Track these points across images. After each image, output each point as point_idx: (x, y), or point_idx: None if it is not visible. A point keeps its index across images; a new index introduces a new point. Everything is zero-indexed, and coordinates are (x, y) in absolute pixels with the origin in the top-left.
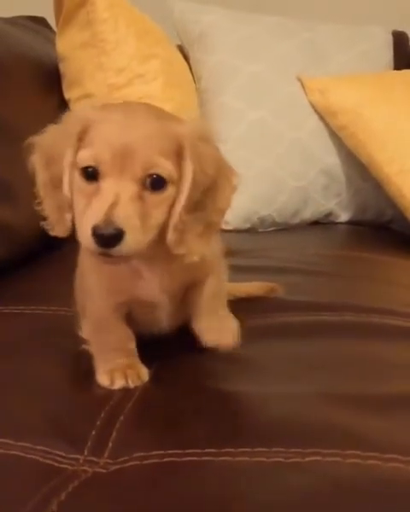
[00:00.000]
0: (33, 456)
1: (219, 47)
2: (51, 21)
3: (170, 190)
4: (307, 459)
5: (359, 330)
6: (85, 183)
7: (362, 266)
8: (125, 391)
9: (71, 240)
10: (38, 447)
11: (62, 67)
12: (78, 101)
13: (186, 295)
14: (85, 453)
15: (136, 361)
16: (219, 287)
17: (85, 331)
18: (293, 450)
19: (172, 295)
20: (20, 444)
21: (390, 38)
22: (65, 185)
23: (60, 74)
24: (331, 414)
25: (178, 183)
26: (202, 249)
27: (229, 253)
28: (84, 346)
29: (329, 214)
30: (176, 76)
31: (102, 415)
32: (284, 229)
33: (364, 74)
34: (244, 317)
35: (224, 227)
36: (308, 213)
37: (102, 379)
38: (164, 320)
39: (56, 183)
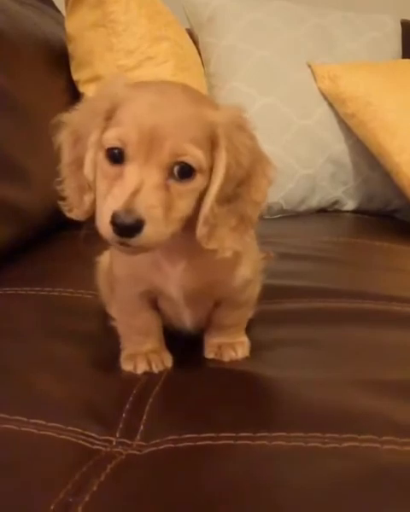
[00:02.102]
0: (66, 437)
1: (228, 31)
2: (57, 1)
3: (198, 180)
4: (344, 445)
5: (380, 317)
6: (109, 165)
7: (373, 254)
8: (152, 374)
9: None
10: (70, 428)
11: (71, 48)
12: (87, 82)
13: (214, 307)
14: (118, 435)
15: (160, 346)
16: (246, 311)
17: (114, 311)
18: (329, 435)
19: (191, 294)
20: (51, 424)
21: (399, 27)
22: (87, 165)
23: (67, 55)
24: (364, 400)
25: (208, 173)
26: (234, 244)
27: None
28: (112, 323)
29: (335, 202)
30: (186, 59)
31: (131, 398)
32: (291, 216)
33: (374, 62)
34: (262, 303)
35: None
36: (315, 201)
37: (126, 363)
38: (186, 318)
39: (81, 164)
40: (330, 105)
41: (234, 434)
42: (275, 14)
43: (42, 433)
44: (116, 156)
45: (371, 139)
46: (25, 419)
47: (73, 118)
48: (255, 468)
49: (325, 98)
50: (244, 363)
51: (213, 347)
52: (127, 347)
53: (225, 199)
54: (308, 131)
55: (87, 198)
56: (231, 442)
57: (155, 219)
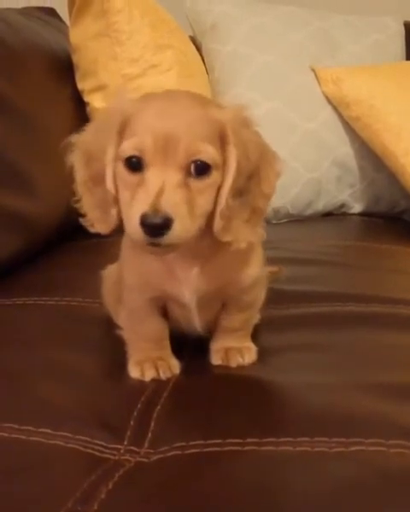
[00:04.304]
0: (74, 446)
1: (231, 37)
2: (60, 12)
3: (215, 176)
4: (351, 449)
5: (387, 321)
6: (130, 174)
7: (380, 257)
8: (159, 381)
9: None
10: (78, 437)
11: (75, 58)
12: (92, 91)
13: (221, 309)
14: (126, 443)
15: (167, 353)
16: (252, 314)
17: (121, 318)
18: (336, 439)
19: (204, 298)
20: (59, 433)
21: (402, 29)
22: (108, 180)
23: (72, 65)
24: (371, 403)
25: (222, 168)
26: (249, 235)
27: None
28: (118, 332)
29: (342, 205)
30: (190, 66)
31: (139, 405)
32: (298, 220)
33: (378, 65)
34: (269, 308)
35: None
36: (321, 204)
37: (133, 370)
38: (197, 322)
39: (98, 180)
40: (335, 108)
41: (241, 440)
42: (277, 18)
43: (50, 442)
44: (135, 164)
45: (376, 141)
46: (33, 428)
47: (84, 138)
48: (262, 474)
49: (329, 102)
50: (251, 368)
51: (219, 353)
52: (134, 355)
53: (238, 192)
54: (313, 135)
55: (113, 211)
56: (239, 448)
57: (181, 216)
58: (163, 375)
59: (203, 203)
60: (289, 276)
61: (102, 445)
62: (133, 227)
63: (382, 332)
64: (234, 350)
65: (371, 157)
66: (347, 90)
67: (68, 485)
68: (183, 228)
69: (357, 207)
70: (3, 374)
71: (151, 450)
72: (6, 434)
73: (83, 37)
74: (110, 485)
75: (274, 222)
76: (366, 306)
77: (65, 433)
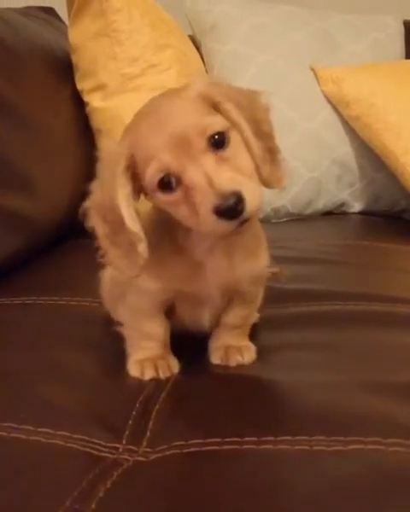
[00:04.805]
0: (73, 445)
1: (231, 36)
2: (59, 11)
3: (235, 137)
4: (349, 447)
5: (387, 319)
6: (171, 193)
7: (380, 256)
8: (158, 381)
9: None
10: (77, 436)
11: (75, 58)
12: (91, 91)
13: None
14: (124, 442)
15: (167, 352)
16: (254, 309)
17: (122, 316)
18: (334, 438)
19: (223, 293)
20: (59, 433)
21: (402, 28)
22: (127, 219)
23: (72, 65)
24: (370, 402)
25: (235, 128)
26: (282, 173)
27: None
28: (118, 328)
29: (342, 204)
30: (189, 66)
31: (138, 404)
32: (298, 219)
33: (377, 64)
34: (269, 307)
35: None
36: (321, 204)
37: (133, 369)
38: (206, 318)
39: (118, 228)
40: (335, 108)
41: (239, 439)
42: (277, 18)
43: (49, 441)
44: (170, 182)
45: (375, 141)
46: (32, 428)
47: (94, 197)
48: (261, 473)
49: (329, 101)
50: (250, 367)
51: (219, 351)
52: (134, 353)
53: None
54: (313, 134)
55: (141, 248)
56: (237, 447)
57: (243, 184)
58: (163, 375)
59: (245, 163)
60: (289, 275)
61: (100, 444)
62: (212, 225)
63: (382, 331)
64: (233, 348)
65: (370, 156)
66: (347, 90)
67: (67, 483)
68: (252, 193)
69: (357, 206)
70: (3, 373)
71: (150, 450)
72: (5, 434)
73: (82, 37)
74: (109, 484)
75: (274, 221)
76: (366, 305)
77: (64, 433)
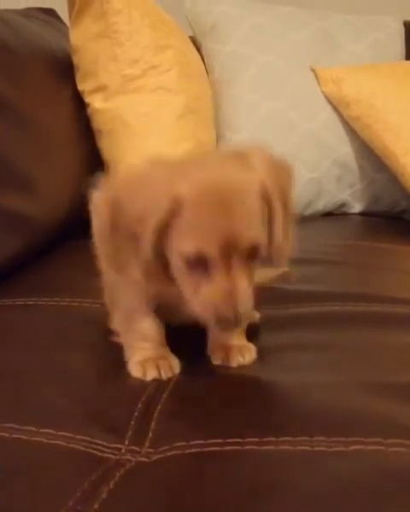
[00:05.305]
0: (75, 446)
1: (231, 37)
2: (60, 12)
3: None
4: (350, 448)
5: (387, 320)
6: (191, 270)
7: (380, 256)
8: (160, 381)
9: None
10: (79, 437)
11: (76, 59)
12: (92, 92)
13: None
14: (126, 443)
15: (167, 352)
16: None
17: (116, 322)
18: (335, 438)
19: None
20: (61, 434)
21: (402, 28)
22: (146, 248)
23: (72, 66)
24: (370, 403)
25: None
26: (291, 246)
27: None
28: (114, 338)
29: (342, 205)
30: (190, 67)
31: (140, 405)
32: (298, 220)
33: (378, 64)
34: (270, 308)
35: None
36: (322, 204)
37: (135, 370)
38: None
39: (131, 238)
40: (335, 108)
41: (241, 440)
42: (277, 18)
43: (52, 442)
44: (197, 264)
45: (376, 141)
46: (34, 429)
47: (119, 193)
48: (262, 473)
49: (329, 101)
50: (251, 367)
51: (219, 352)
52: (134, 356)
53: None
54: (313, 135)
55: (138, 273)
56: (239, 447)
57: (250, 308)
58: (164, 375)
59: (258, 278)
60: (297, 276)
61: (103, 445)
62: (205, 318)
63: (382, 331)
64: (234, 349)
65: (371, 157)
66: (347, 90)
67: (69, 484)
68: (249, 313)
69: (357, 207)
70: (4, 374)
71: (152, 450)
72: (7, 434)
73: (83, 38)
74: (111, 485)
75: None
76: (366, 306)
77: (66, 434)
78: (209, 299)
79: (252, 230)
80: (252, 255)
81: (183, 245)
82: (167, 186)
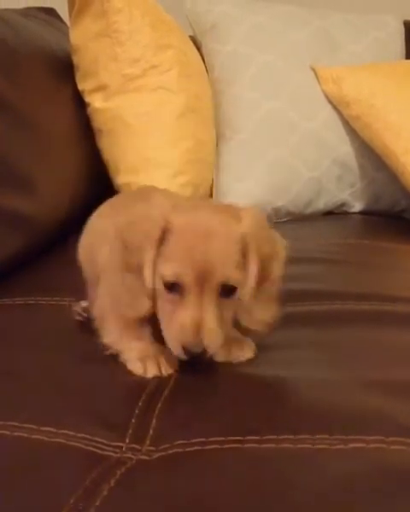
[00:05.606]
0: (76, 444)
1: (231, 36)
2: (60, 12)
3: (238, 292)
4: (351, 446)
5: (387, 319)
6: (169, 293)
7: (380, 255)
8: (161, 379)
9: None
10: (80, 435)
11: (76, 59)
12: (92, 92)
13: None
14: (127, 441)
15: (164, 348)
16: None
17: (109, 332)
18: (336, 436)
19: None
20: (62, 432)
21: (402, 28)
22: (147, 276)
23: (73, 65)
24: (371, 401)
25: (244, 272)
26: (267, 318)
27: None
28: (108, 351)
29: (342, 204)
30: (190, 66)
31: (140, 403)
32: (298, 219)
33: (378, 64)
34: None
35: None
36: (322, 203)
37: (136, 367)
38: None
39: (132, 269)
40: (335, 107)
41: (241, 438)
42: (277, 18)
43: (52, 440)
44: (175, 288)
45: (376, 140)
46: (35, 427)
47: (122, 226)
48: (263, 471)
49: (330, 101)
50: (252, 365)
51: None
52: (132, 354)
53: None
54: (313, 134)
55: (146, 302)
56: (239, 445)
57: (217, 344)
58: (165, 372)
59: (229, 317)
60: (290, 275)
61: (103, 443)
62: (174, 346)
63: (382, 330)
64: (234, 344)
65: (371, 156)
66: (347, 89)
67: (70, 482)
68: (216, 347)
69: (357, 206)
70: (5, 373)
71: (153, 448)
72: (8, 432)
73: (83, 38)
74: (112, 483)
75: (275, 221)
76: (366, 304)
77: (67, 432)
78: (178, 324)
79: (226, 268)
80: (226, 292)
81: (164, 269)
82: (162, 217)
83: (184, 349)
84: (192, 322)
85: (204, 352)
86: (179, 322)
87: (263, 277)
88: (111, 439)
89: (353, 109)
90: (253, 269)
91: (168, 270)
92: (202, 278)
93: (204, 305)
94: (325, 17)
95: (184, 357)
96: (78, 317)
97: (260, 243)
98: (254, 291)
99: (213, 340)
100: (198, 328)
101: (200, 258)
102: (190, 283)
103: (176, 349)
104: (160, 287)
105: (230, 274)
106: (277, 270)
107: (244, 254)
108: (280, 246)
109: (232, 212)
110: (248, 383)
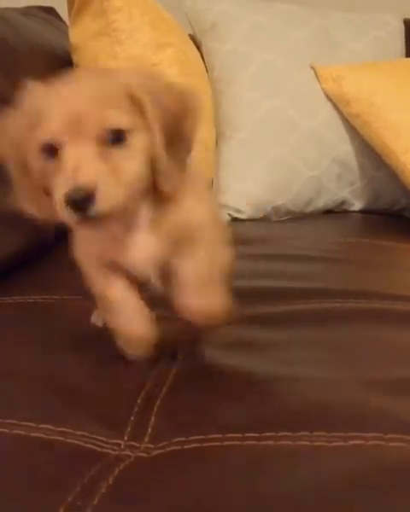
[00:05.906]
0: (74, 441)
1: (231, 35)
2: (60, 11)
3: (136, 140)
4: (349, 443)
5: (387, 317)
6: (48, 161)
7: (380, 254)
8: (159, 376)
9: None
10: (78, 432)
11: (75, 57)
12: None
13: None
14: (126, 438)
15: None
16: (209, 257)
17: (102, 313)
18: (335, 433)
19: (159, 264)
20: (60, 429)
21: (402, 26)
22: (34, 170)
23: (72, 64)
24: (370, 398)
25: (146, 130)
26: (180, 178)
27: (244, 240)
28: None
29: (342, 203)
30: (190, 65)
31: (139, 400)
32: (298, 217)
33: (378, 62)
34: (269, 304)
35: (239, 216)
36: (322, 202)
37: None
38: (156, 283)
39: (24, 168)
40: (335, 106)
41: (240, 435)
42: (277, 17)
43: (51, 437)
44: (51, 149)
45: (376, 139)
46: (34, 424)
47: (8, 124)
48: (262, 469)
49: (330, 99)
50: (251, 363)
51: (190, 309)
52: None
53: (171, 145)
54: (314, 133)
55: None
56: (238, 443)
57: (104, 185)
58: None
59: (131, 169)
60: (289, 273)
61: (102, 441)
62: (61, 209)
63: (382, 328)
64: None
65: (371, 155)
66: (347, 88)
67: (69, 479)
68: (109, 196)
69: (357, 205)
70: (4, 371)
71: (151, 446)
72: (7, 430)
73: (83, 37)
74: (110, 480)
75: (275, 219)
76: (366, 303)
77: (65, 429)
78: (57, 181)
79: (103, 111)
80: (114, 138)
81: (36, 133)
82: (29, 98)
83: (67, 201)
84: (68, 168)
85: (88, 196)
86: (58, 182)
87: (174, 133)
88: (109, 436)
89: (353, 108)
90: (152, 114)
91: (38, 132)
92: (74, 126)
93: (81, 152)
94: (325, 16)
95: (72, 215)
96: (98, 324)
97: (157, 96)
98: (163, 143)
99: (93, 182)
100: (75, 173)
101: (65, 105)
102: (63, 135)
103: (62, 210)
104: (40, 160)
105: (106, 115)
106: (190, 127)
107: (139, 106)
108: (192, 102)
109: (119, 70)
110: (246, 381)
